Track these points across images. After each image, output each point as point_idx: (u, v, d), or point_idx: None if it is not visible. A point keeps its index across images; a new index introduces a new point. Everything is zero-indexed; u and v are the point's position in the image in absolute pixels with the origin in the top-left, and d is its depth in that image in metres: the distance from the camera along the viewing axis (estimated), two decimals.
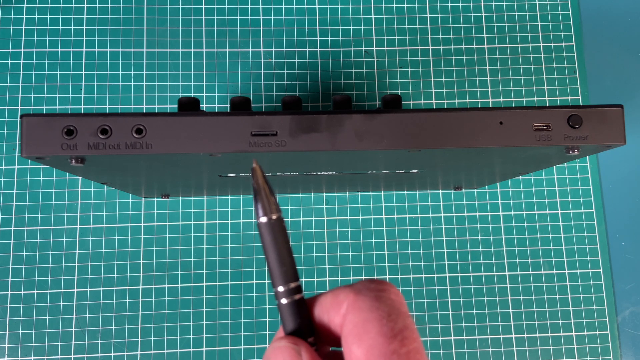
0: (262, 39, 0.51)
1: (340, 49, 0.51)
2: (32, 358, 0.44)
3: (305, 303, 0.19)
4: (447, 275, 0.48)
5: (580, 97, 0.51)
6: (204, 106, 0.49)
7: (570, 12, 0.53)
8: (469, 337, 0.47)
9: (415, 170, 0.35)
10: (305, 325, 0.19)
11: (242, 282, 0.47)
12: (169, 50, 0.50)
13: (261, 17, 0.51)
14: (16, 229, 0.46)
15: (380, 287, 0.18)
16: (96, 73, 0.49)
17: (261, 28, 0.51)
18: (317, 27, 0.51)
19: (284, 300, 0.18)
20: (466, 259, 0.48)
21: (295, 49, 0.51)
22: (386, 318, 0.17)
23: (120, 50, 0.50)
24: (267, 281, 0.47)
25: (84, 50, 0.49)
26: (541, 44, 0.52)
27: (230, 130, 0.25)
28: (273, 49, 0.51)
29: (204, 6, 0.51)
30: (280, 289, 0.18)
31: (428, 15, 0.52)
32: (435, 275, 0.48)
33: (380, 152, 0.26)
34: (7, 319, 0.45)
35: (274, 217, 0.19)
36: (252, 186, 0.19)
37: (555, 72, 0.51)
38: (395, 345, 0.16)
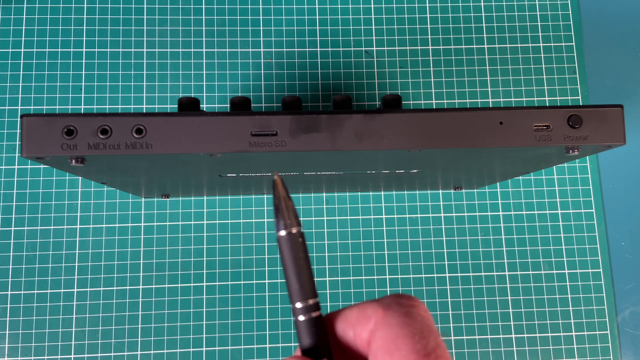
0: (262, 39, 0.51)
1: (340, 49, 0.51)
2: (32, 358, 0.45)
3: (323, 321, 0.19)
4: (447, 275, 0.48)
5: (580, 97, 0.51)
6: (204, 106, 0.49)
7: (570, 12, 0.53)
8: (469, 337, 0.47)
9: (415, 170, 0.35)
10: (322, 344, 0.18)
11: (242, 282, 0.47)
12: (169, 50, 0.50)
13: (261, 17, 0.51)
14: (16, 229, 0.46)
15: (410, 302, 0.18)
16: (96, 73, 0.49)
17: (261, 28, 0.51)
18: (317, 27, 0.51)
19: (301, 317, 0.18)
20: (466, 259, 0.48)
21: (295, 49, 0.51)
22: (418, 335, 0.16)
23: (120, 50, 0.50)
24: (267, 281, 0.47)
25: (84, 50, 0.49)
26: (541, 44, 0.52)
27: (230, 130, 0.25)
28: (273, 49, 0.51)
29: (204, 6, 0.51)
30: (298, 305, 0.18)
31: (428, 15, 0.52)
32: (435, 275, 0.48)
33: (380, 152, 0.26)
34: (7, 319, 0.45)
35: (294, 230, 0.18)
36: (273, 199, 0.19)
37: (555, 72, 0.51)
38: None
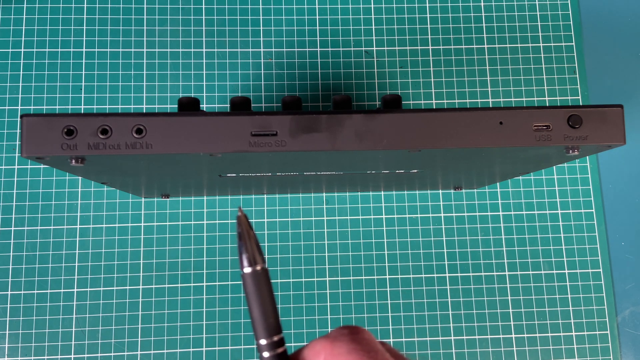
0: (262, 39, 0.51)
1: (340, 49, 0.51)
2: (32, 358, 0.45)
3: (288, 357, 0.19)
4: (447, 275, 0.48)
5: (580, 97, 0.51)
6: (204, 106, 0.49)
7: (570, 12, 0.53)
8: (469, 337, 0.47)
9: (415, 170, 0.35)
10: None
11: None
12: (169, 50, 0.50)
13: (261, 17, 0.51)
14: (16, 229, 0.46)
15: (354, 330, 0.19)
16: (96, 73, 0.49)
17: (261, 28, 0.51)
18: (317, 27, 0.51)
19: (266, 354, 0.18)
20: (466, 259, 0.48)
21: (295, 49, 0.51)
22: (366, 355, 0.17)
23: (120, 50, 0.50)
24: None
25: (84, 50, 0.49)
26: (541, 44, 0.52)
27: (230, 130, 0.25)
28: (273, 49, 0.51)
29: (204, 6, 0.51)
30: (263, 342, 0.18)
31: (428, 15, 0.52)
32: (435, 275, 0.48)
33: (380, 152, 0.26)
34: (7, 319, 0.45)
35: (259, 267, 0.19)
36: (237, 235, 0.19)
37: (555, 72, 0.51)
38: None
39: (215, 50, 0.50)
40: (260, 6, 0.51)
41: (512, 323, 0.47)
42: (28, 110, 0.48)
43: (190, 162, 0.28)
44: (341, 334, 0.18)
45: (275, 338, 0.19)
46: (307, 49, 0.51)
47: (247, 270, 0.19)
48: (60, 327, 0.45)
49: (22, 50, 0.49)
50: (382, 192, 0.49)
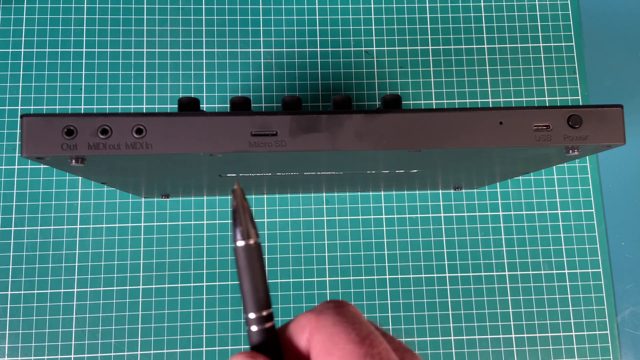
0: (262, 39, 0.51)
1: (340, 49, 0.51)
2: (32, 358, 0.45)
3: (276, 331, 0.19)
4: (447, 275, 0.48)
5: (580, 97, 0.51)
6: (204, 106, 0.49)
7: (570, 12, 0.53)
8: (469, 337, 0.47)
9: (415, 170, 0.35)
10: (275, 353, 0.19)
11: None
12: (169, 50, 0.50)
13: (261, 17, 0.51)
14: (16, 229, 0.46)
15: (339, 304, 0.19)
16: (96, 73, 0.49)
17: (261, 28, 0.51)
18: (317, 27, 0.51)
19: (254, 328, 0.18)
20: (466, 259, 0.48)
21: (295, 49, 0.51)
22: (351, 327, 0.18)
23: (120, 50, 0.50)
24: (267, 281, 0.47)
25: (84, 50, 0.49)
26: (541, 44, 0.52)
27: (230, 130, 0.25)
28: (273, 49, 0.51)
29: (204, 6, 0.51)
30: (252, 315, 0.18)
31: (428, 15, 0.52)
32: (435, 275, 0.48)
33: (380, 152, 0.26)
34: (7, 319, 0.45)
35: (252, 241, 0.18)
36: (231, 208, 0.19)
37: (555, 72, 0.51)
38: (366, 348, 0.17)
39: (215, 50, 0.50)
40: (260, 6, 0.51)
41: (512, 323, 0.47)
42: (28, 110, 0.48)
43: (190, 162, 0.28)
44: (326, 307, 0.19)
45: (264, 313, 0.18)
46: (307, 49, 0.51)
47: (240, 243, 0.18)
48: (60, 327, 0.45)
49: (22, 50, 0.49)
50: (382, 192, 0.49)
